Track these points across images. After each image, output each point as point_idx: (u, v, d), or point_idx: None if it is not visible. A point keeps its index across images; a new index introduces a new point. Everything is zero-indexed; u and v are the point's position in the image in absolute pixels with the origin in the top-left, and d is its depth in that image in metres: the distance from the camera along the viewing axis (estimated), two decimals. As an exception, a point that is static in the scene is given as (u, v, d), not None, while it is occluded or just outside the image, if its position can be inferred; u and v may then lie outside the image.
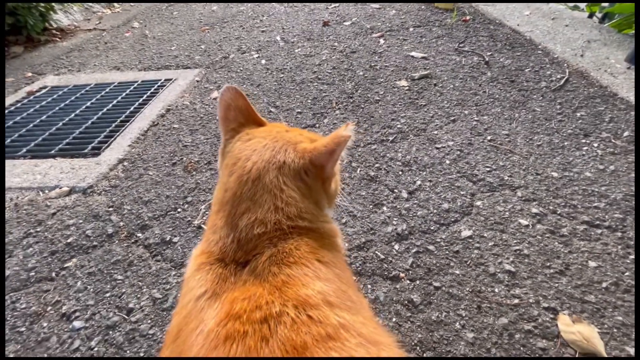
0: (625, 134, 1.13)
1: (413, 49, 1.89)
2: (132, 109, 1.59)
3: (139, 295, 0.79)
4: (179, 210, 1.02)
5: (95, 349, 0.70)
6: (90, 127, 1.47)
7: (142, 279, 0.83)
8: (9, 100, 1.78)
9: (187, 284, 0.37)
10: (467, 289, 0.74)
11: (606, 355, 0.61)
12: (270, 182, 0.38)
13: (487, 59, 1.67)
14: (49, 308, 0.78)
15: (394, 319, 0.70)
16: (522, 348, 0.64)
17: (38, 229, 0.99)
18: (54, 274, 0.86)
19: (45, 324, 0.75)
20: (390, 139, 1.23)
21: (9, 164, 1.27)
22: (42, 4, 2.61)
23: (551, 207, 0.90)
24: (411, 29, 2.15)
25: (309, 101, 1.53)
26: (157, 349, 0.68)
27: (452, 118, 1.30)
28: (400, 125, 1.30)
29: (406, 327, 0.69)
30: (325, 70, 1.78)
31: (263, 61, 1.97)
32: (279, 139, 0.41)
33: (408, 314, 0.71)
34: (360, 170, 1.10)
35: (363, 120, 1.35)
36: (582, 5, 2.47)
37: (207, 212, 1.00)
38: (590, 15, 2.40)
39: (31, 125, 1.52)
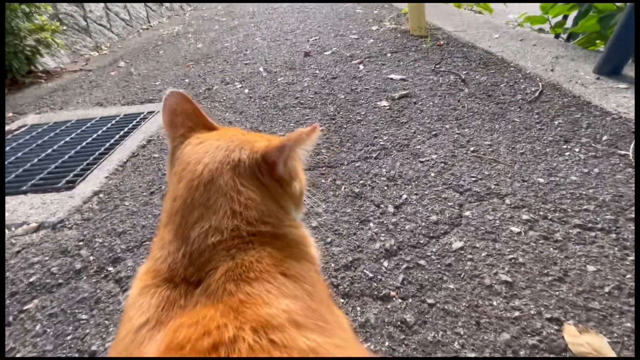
0: (604, 138, 1.14)
1: (392, 72, 1.95)
2: (112, 141, 1.56)
3: (104, 336, 0.71)
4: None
5: (49, 402, 0.60)
6: (67, 161, 1.43)
7: (109, 316, 0.75)
8: (-15, 140, 1.73)
9: (127, 312, 0.31)
10: (464, 304, 0.69)
11: (620, 368, 0.56)
12: (225, 184, 0.34)
13: (463, 77, 1.73)
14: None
15: (386, 343, 0.64)
16: (528, 366, 0.58)
17: (-1, 270, 0.91)
18: (11, 318, 0.78)
19: (-7, 377, 0.66)
20: (374, 155, 1.22)
21: (-25, 203, 1.20)
22: (28, 49, 2.65)
23: (541, 213, 0.87)
24: (389, 55, 2.23)
25: (292, 125, 1.53)
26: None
27: (434, 132, 1.31)
28: (383, 142, 1.29)
29: (400, 350, 0.62)
30: (307, 96, 1.80)
31: (246, 90, 2.00)
32: (235, 139, 0.38)
33: (402, 336, 0.65)
34: (344, 188, 1.06)
35: (346, 139, 1.35)
36: (547, 27, 2.63)
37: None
38: (557, 36, 2.55)
39: (6, 163, 1.47)
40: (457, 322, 0.66)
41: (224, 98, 1.92)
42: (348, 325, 0.38)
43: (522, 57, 1.94)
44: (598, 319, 0.63)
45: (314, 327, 0.27)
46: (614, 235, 0.79)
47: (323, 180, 1.11)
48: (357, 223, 0.92)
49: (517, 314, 0.66)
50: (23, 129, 1.83)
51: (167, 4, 5.21)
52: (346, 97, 1.72)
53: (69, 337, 0.72)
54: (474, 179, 1.03)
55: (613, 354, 0.57)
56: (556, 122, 1.27)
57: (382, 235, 0.87)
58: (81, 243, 0.97)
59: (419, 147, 1.23)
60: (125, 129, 1.67)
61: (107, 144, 1.54)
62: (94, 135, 1.64)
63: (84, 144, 1.57)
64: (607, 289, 0.68)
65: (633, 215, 0.83)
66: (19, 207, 1.15)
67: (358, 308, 0.71)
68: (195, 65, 2.64)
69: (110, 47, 3.67)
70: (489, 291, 0.71)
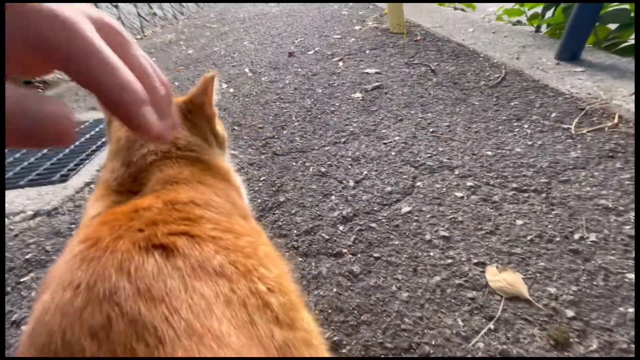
0: (553, 115, 1.24)
1: (368, 66, 2.06)
2: (104, 139, 1.67)
3: (90, 297, 0.80)
4: (138, 219, 1.05)
5: (41, 348, 0.70)
6: (62, 159, 1.53)
7: (95, 282, 0.85)
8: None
9: (85, 212, 0.41)
10: (405, 256, 0.78)
11: (529, 297, 0.65)
12: None
13: (433, 68, 1.83)
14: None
15: (334, 290, 0.73)
16: (452, 300, 0.67)
17: (-1, 250, 1.01)
18: (8, 289, 0.87)
19: (-6, 332, 0.75)
20: (343, 140, 1.31)
21: (-23, 197, 1.30)
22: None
23: (484, 180, 0.97)
24: (367, 52, 2.34)
25: (271, 117, 1.63)
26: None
27: (400, 118, 1.40)
28: (353, 128, 1.39)
29: (346, 294, 0.71)
30: (287, 92, 1.91)
31: (231, 90, 2.11)
32: None
33: (348, 283, 0.74)
34: (312, 169, 1.16)
35: (319, 127, 1.44)
36: (524, 19, 2.73)
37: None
38: (537, 28, 2.64)
39: (6, 162, 1.58)
40: (397, 270, 0.75)
41: (210, 97, 2.03)
42: (257, 227, 0.45)
43: (492, 47, 2.04)
44: (518, 261, 0.72)
45: (214, 211, 0.36)
46: (544, 195, 0.88)
47: (294, 164, 1.21)
48: (320, 197, 1.02)
49: (449, 261, 0.75)
50: (21, 133, 1.94)
51: (161, 14, 5.36)
52: (323, 91, 1.83)
53: (59, 299, 0.81)
54: (429, 155, 1.12)
55: (525, 287, 0.66)
56: (512, 104, 1.36)
57: (341, 205, 0.97)
58: (73, 225, 1.07)
59: (384, 131, 1.33)
60: (117, 129, 1.78)
61: (99, 142, 1.64)
62: (87, 136, 1.75)
63: (77, 143, 1.68)
64: (529, 238, 0.77)
65: (564, 178, 0.92)
66: (16, 198, 1.25)
67: (313, 264, 0.80)
68: (185, 69, 2.76)
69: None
70: (428, 245, 0.80)
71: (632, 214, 0.78)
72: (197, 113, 0.48)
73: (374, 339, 0.62)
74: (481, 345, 0.58)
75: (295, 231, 0.91)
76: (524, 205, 0.86)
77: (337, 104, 1.64)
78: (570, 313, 0.61)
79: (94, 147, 1.59)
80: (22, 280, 0.90)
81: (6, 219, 1.15)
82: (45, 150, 1.64)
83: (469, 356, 0.58)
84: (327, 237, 0.87)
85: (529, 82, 1.53)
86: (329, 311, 0.68)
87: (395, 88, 1.69)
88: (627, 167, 0.93)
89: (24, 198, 1.25)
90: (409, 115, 1.41)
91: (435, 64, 1.90)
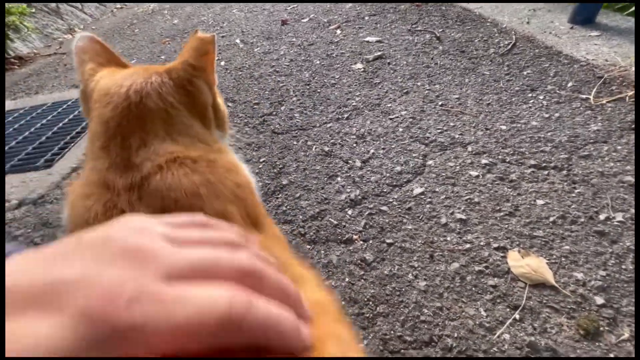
0: (569, 84, 1.16)
1: (368, 34, 1.92)
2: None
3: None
4: (132, 207, 0.99)
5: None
6: (45, 142, 1.43)
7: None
8: (-39, 127, 1.72)
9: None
10: (420, 241, 0.73)
11: (555, 283, 0.61)
12: (156, 105, 0.35)
13: (438, 35, 1.71)
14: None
15: (346, 279, 0.69)
16: (473, 288, 0.63)
17: (-16, 244, 0.94)
18: None
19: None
20: (346, 116, 1.23)
21: (-44, 186, 1.22)
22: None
23: (500, 157, 0.91)
24: (367, 18, 2.19)
25: (267, 92, 1.52)
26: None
27: (405, 91, 1.32)
28: (355, 103, 1.30)
29: (359, 284, 0.67)
30: (283, 64, 1.78)
31: (222, 63, 1.97)
32: (149, 68, 0.39)
33: (361, 272, 0.70)
34: (315, 148, 1.09)
35: (319, 102, 1.35)
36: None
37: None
38: None
39: (-17, 148, 1.47)
40: (412, 257, 0.71)
41: (200, 72, 1.90)
42: (277, 231, 0.39)
43: (500, 12, 1.91)
44: (540, 245, 0.68)
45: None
46: (565, 172, 0.83)
47: (295, 143, 1.13)
48: (325, 178, 0.96)
49: (468, 246, 0.70)
50: (-1, 115, 1.82)
51: (140, -20, 4.96)
52: (322, 63, 1.71)
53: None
54: (439, 130, 1.05)
55: (550, 273, 0.63)
56: (525, 73, 1.28)
57: (349, 187, 0.91)
58: (62, 215, 1.00)
59: (389, 105, 1.25)
60: (102, 108, 1.66)
61: (84, 124, 1.54)
62: (70, 116, 1.64)
63: (60, 124, 1.57)
64: (551, 219, 0.72)
65: (585, 154, 0.87)
66: (-1, 187, 1.17)
67: (322, 252, 0.75)
68: (172, 41, 2.57)
69: (84, 29, 3.54)
70: (444, 229, 0.75)
71: (660, 191, 0.74)
72: (197, 81, 0.38)
73: (392, 331, 0.59)
74: (507, 336, 0.55)
75: (300, 216, 0.85)
76: (544, 183, 0.81)
77: (337, 77, 1.53)
78: (599, 300, 0.58)
79: (78, 129, 1.49)
80: (11, 275, 0.84)
81: (-11, 210, 1.08)
82: (26, 134, 1.53)
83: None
84: (335, 222, 0.82)
85: (541, 48, 1.44)
86: (342, 303, 0.64)
87: (399, 58, 1.58)
88: (652, 140, 0.87)
89: (8, 186, 1.17)
90: (415, 87, 1.33)
91: (440, 30, 1.78)
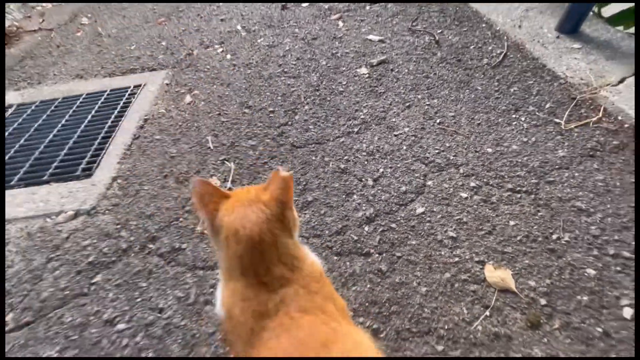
0: (547, 105, 1.36)
1: (370, 31, 1.99)
2: (109, 123, 1.65)
3: (165, 297, 0.97)
4: (180, 219, 1.18)
5: (141, 342, 0.89)
6: (74, 148, 1.54)
7: (163, 283, 1.01)
8: (-23, 125, 1.77)
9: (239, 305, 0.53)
10: (422, 255, 0.97)
11: (515, 289, 0.87)
12: (269, 240, 0.52)
13: (437, 38, 1.82)
14: (92, 318, 0.96)
15: (368, 285, 0.93)
16: (459, 293, 0.89)
17: (58, 253, 1.13)
18: (85, 290, 1.02)
19: (93, 331, 0.93)
20: (355, 130, 1.40)
21: (7, 194, 1.35)
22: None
23: (485, 180, 1.13)
24: (367, 7, 2.22)
25: (279, 98, 1.64)
26: (193, 333, 0.88)
27: (407, 104, 1.48)
28: (363, 115, 1.46)
29: (377, 289, 0.92)
30: (290, 62, 1.87)
31: (228, 56, 2.02)
32: (251, 202, 0.56)
33: (378, 280, 0.94)
34: (332, 164, 1.27)
35: (330, 113, 1.50)
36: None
37: (206, 219, 1.16)
38: None
39: (12, 151, 1.57)
40: (416, 267, 0.95)
41: (208, 67, 1.95)
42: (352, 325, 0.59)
43: (494, 9, 2.01)
44: (508, 259, 0.93)
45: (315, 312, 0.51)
46: (533, 196, 1.06)
47: (313, 158, 1.31)
48: (343, 196, 1.16)
49: (457, 259, 0.95)
50: (11, 111, 1.86)
51: None
52: (327, 64, 1.81)
53: (138, 300, 0.98)
54: (437, 151, 1.25)
55: (513, 281, 0.88)
56: (512, 90, 1.45)
57: (364, 205, 1.12)
58: (119, 226, 1.18)
59: (394, 119, 1.42)
60: (118, 108, 1.74)
61: (106, 127, 1.63)
62: (89, 117, 1.71)
63: (82, 127, 1.65)
64: (519, 238, 0.97)
65: (551, 179, 1.10)
66: (49, 197, 1.31)
67: (347, 263, 0.98)
68: (168, 21, 2.52)
69: (64, -3, 3.31)
70: (439, 244, 0.99)
71: (599, 215, 0.99)
72: (287, 213, 0.56)
73: (402, 325, 0.85)
74: (480, 327, 0.82)
75: (327, 231, 1.07)
76: (516, 206, 1.05)
77: (344, 83, 1.66)
78: (543, 301, 0.85)
79: (102, 133, 1.59)
80: (93, 281, 1.04)
81: (48, 219, 1.24)
82: (50, 136, 1.62)
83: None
84: (355, 237, 1.04)
85: (529, 60, 1.60)
86: (366, 304, 0.89)
87: (401, 64, 1.71)
88: (602, 167, 1.11)
89: (57, 196, 1.31)
90: (416, 100, 1.49)
91: (439, 31, 1.88)
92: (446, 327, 0.83)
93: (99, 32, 2.54)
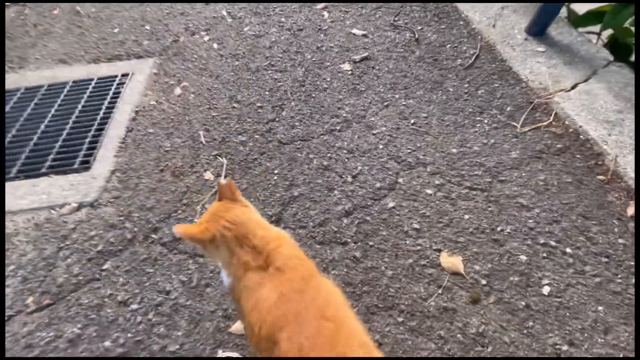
0: (508, 109, 1.52)
1: (354, 24, 2.06)
2: (101, 114, 1.70)
3: (170, 281, 1.13)
4: (179, 212, 1.31)
5: (153, 319, 1.05)
6: (69, 139, 1.60)
7: (168, 269, 1.16)
8: (-37, 113, 1.77)
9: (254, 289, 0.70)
10: (390, 244, 1.16)
11: (463, 272, 1.07)
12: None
13: (417, 36, 1.92)
14: (106, 299, 1.10)
15: (344, 270, 1.11)
16: (419, 275, 1.08)
17: (67, 242, 1.24)
18: (97, 275, 1.16)
19: (109, 310, 1.08)
20: (338, 128, 1.53)
21: (8, 186, 1.43)
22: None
23: (447, 178, 1.31)
24: (352, -3, 2.26)
25: (267, 93, 1.73)
26: (198, 311, 1.05)
27: (386, 103, 1.61)
28: (345, 113, 1.59)
29: (352, 273, 1.10)
30: (276, 55, 1.93)
31: (215, 45, 2.05)
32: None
33: (353, 265, 1.12)
34: (315, 161, 1.41)
35: (315, 110, 1.62)
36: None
37: (202, 211, 1.29)
38: None
39: (6, 142, 1.61)
40: (385, 255, 1.14)
41: (195, 56, 1.99)
42: None
43: (472, 6, 2.10)
44: (460, 247, 1.13)
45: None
46: (486, 194, 1.25)
47: (299, 155, 1.44)
48: (326, 192, 1.31)
49: (418, 247, 1.14)
50: (-3, 98, 1.86)
51: None
52: (313, 57, 1.89)
53: (146, 284, 1.13)
54: (409, 150, 1.41)
55: (462, 266, 1.09)
56: (479, 92, 1.61)
57: (343, 200, 1.28)
58: (122, 218, 1.30)
59: (372, 118, 1.55)
60: (108, 99, 1.78)
61: (98, 118, 1.68)
62: (79, 107, 1.75)
63: (73, 117, 1.70)
64: (470, 230, 1.17)
65: (502, 178, 1.29)
66: (50, 189, 1.40)
67: (328, 251, 1.16)
68: (149, 2, 2.47)
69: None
70: (405, 235, 1.17)
71: (537, 210, 1.19)
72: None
73: (371, 302, 1.04)
74: (433, 303, 1.02)
75: (311, 223, 1.23)
76: (471, 202, 1.23)
77: (329, 79, 1.76)
78: (483, 282, 1.05)
79: (95, 125, 1.64)
80: (104, 267, 1.18)
81: (52, 210, 1.34)
82: (42, 127, 1.66)
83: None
84: (335, 229, 1.21)
85: (497, 62, 1.74)
86: (343, 285, 1.08)
87: (382, 61, 1.81)
88: (545, 168, 1.30)
89: (59, 188, 1.40)
90: (393, 100, 1.62)
91: (419, 27, 1.98)
92: (406, 303, 1.03)
93: (78, 10, 2.46)
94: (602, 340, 0.93)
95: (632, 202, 1.17)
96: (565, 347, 0.92)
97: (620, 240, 1.10)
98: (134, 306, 1.08)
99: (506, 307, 1.00)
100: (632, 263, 1.05)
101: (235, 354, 0.95)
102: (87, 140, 1.59)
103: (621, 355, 0.89)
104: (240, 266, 0.69)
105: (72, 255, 1.21)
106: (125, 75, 1.92)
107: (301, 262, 0.72)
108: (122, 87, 1.84)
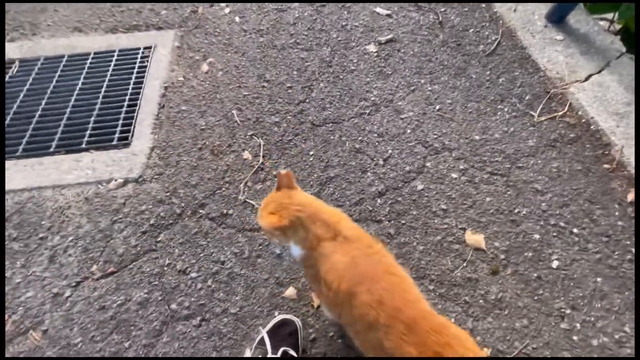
0: (527, 97, 1.62)
1: (378, 2, 2.06)
2: (130, 89, 1.72)
3: (223, 252, 1.25)
4: (223, 189, 1.40)
5: (212, 286, 1.18)
6: (103, 115, 1.62)
7: (219, 242, 1.27)
8: (-15, 83, 1.75)
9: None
10: (420, 222, 1.30)
11: (485, 248, 1.23)
12: None
13: (440, 19, 1.94)
14: (166, 268, 1.22)
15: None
16: (446, 250, 1.23)
17: (119, 216, 1.33)
18: (154, 247, 1.27)
19: (170, 278, 1.20)
20: (367, 112, 1.61)
21: (49, 160, 1.47)
22: None
23: (471, 163, 1.43)
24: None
25: (295, 72, 1.77)
26: (252, 279, 1.18)
27: (412, 88, 1.68)
28: (374, 97, 1.65)
29: (387, 247, 1.24)
30: (301, 32, 1.94)
31: (237, 18, 2.03)
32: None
33: (388, 240, 1.26)
34: (348, 144, 1.50)
35: (344, 92, 1.68)
36: None
37: (246, 189, 1.39)
38: None
39: (37, 115, 1.62)
40: (416, 232, 1.28)
41: (218, 30, 1.97)
42: None
43: (495, -12, 2.11)
44: (482, 226, 1.28)
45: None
46: (505, 178, 1.38)
47: (332, 137, 1.52)
48: (359, 173, 1.42)
49: (445, 226, 1.28)
50: (16, 69, 1.83)
51: None
52: (338, 37, 1.91)
53: (201, 255, 1.24)
54: (435, 136, 1.51)
55: (484, 242, 1.24)
56: (500, 80, 1.69)
57: (376, 181, 1.40)
58: (168, 194, 1.39)
59: (400, 103, 1.63)
60: (134, 73, 1.78)
61: (128, 93, 1.70)
62: (106, 81, 1.75)
63: (102, 92, 1.71)
64: (491, 211, 1.31)
65: (520, 165, 1.42)
66: (94, 165, 1.46)
67: (365, 228, 1.29)
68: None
69: None
70: (433, 215, 1.31)
71: (549, 195, 1.34)
72: None
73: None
74: (458, 274, 1.18)
75: (347, 202, 1.35)
76: (492, 186, 1.37)
77: (355, 60, 1.80)
78: (502, 256, 1.21)
79: (126, 101, 1.66)
80: (158, 239, 1.28)
81: (100, 186, 1.41)
82: (72, 101, 1.66)
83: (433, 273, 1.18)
84: (370, 208, 1.33)
85: (517, 50, 1.81)
86: (380, 258, 1.22)
87: (407, 44, 1.85)
88: (558, 156, 1.43)
89: (102, 164, 1.46)
90: (419, 85, 1.69)
91: (442, 9, 1.99)
92: (436, 274, 1.19)
93: (85, -29, 2.33)
94: (599, 305, 1.11)
95: (632, 189, 1.32)
96: (568, 311, 1.10)
97: (619, 223, 1.26)
98: (193, 274, 1.20)
99: (521, 277, 1.17)
100: (628, 242, 1.22)
101: (289, 316, 1.09)
102: (121, 115, 1.61)
103: (617, 338, 1.08)
104: (315, 238, 0.81)
105: (127, 228, 1.30)
106: (147, 48, 1.90)
107: (362, 232, 0.85)
108: (147, 61, 1.84)
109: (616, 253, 1.20)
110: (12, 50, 1.92)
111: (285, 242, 0.88)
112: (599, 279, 1.16)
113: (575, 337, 1.06)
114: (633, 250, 1.20)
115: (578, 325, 1.08)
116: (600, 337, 1.06)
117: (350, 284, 0.76)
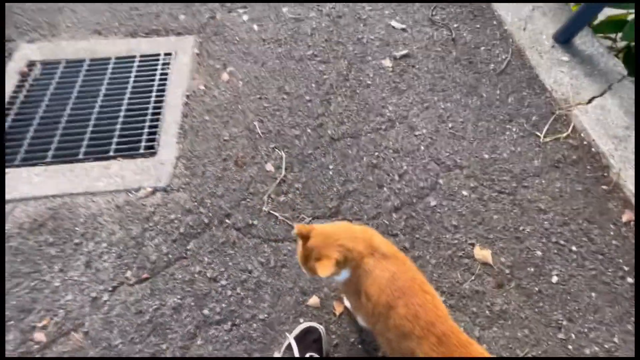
0: (534, 118, 1.72)
1: (393, 15, 2.12)
2: (153, 97, 1.77)
3: (250, 262, 1.34)
4: (247, 200, 1.48)
5: (241, 293, 1.27)
6: (128, 123, 1.68)
7: (246, 251, 1.36)
8: (7, 86, 1.79)
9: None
10: (433, 237, 1.40)
11: (492, 263, 1.34)
12: None
13: (454, 35, 2.01)
14: (197, 275, 1.31)
15: (396, 258, 1.35)
16: (457, 264, 1.34)
17: (150, 224, 1.41)
18: (184, 254, 1.35)
19: (201, 285, 1.29)
20: (383, 127, 1.69)
21: (79, 167, 1.53)
22: None
23: (480, 182, 1.53)
24: (390, -17, 2.27)
25: (313, 85, 1.83)
26: (278, 287, 1.27)
27: (426, 105, 1.76)
28: (389, 113, 1.73)
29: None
30: (319, 44, 1.99)
31: (255, 27, 2.07)
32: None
33: (404, 253, 1.36)
34: (365, 159, 1.59)
35: (361, 107, 1.75)
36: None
37: (269, 201, 1.47)
38: None
39: (63, 121, 1.67)
40: (429, 246, 1.38)
41: (237, 38, 2.01)
42: None
43: (506, 5, 2.18)
44: (490, 242, 1.39)
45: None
46: (511, 197, 1.49)
47: (349, 152, 1.61)
48: (376, 188, 1.51)
49: (456, 241, 1.39)
50: (37, 71, 1.86)
51: None
52: (354, 50, 1.97)
53: (230, 263, 1.33)
54: (447, 153, 1.61)
55: (491, 258, 1.35)
56: (509, 100, 1.78)
57: (392, 197, 1.49)
58: (196, 204, 1.46)
59: (414, 120, 1.71)
60: (156, 80, 1.83)
61: (152, 101, 1.75)
62: (129, 88, 1.80)
63: (126, 99, 1.76)
64: (498, 228, 1.42)
65: (526, 184, 1.52)
66: (123, 173, 1.52)
67: (381, 241, 1.38)
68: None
69: None
70: (445, 230, 1.41)
71: (551, 214, 1.45)
72: None
73: (419, 284, 1.30)
74: (467, 286, 1.29)
75: (365, 216, 1.44)
76: (499, 204, 1.47)
77: (371, 75, 1.87)
78: (507, 271, 1.33)
79: (150, 109, 1.72)
80: (188, 247, 1.37)
81: (130, 194, 1.48)
82: (97, 107, 1.71)
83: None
84: (387, 222, 1.43)
85: (526, 69, 1.89)
86: (396, 270, 1.32)
87: (421, 60, 1.92)
88: (561, 177, 1.54)
89: (130, 172, 1.52)
90: (432, 102, 1.77)
91: (455, 25, 2.06)
92: (447, 286, 1.30)
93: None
94: (592, 318, 1.23)
95: (627, 211, 1.44)
96: (565, 322, 1.22)
97: (614, 242, 1.38)
98: (223, 282, 1.29)
99: (523, 291, 1.29)
100: (620, 260, 1.34)
101: (314, 324, 1.20)
102: (146, 124, 1.67)
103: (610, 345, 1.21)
104: (358, 255, 0.91)
105: (158, 236, 1.38)
106: (167, 54, 1.94)
107: (394, 248, 0.95)
108: (168, 68, 1.88)
109: (609, 270, 1.32)
110: (32, 52, 1.95)
111: (339, 273, 0.94)
112: (593, 294, 1.28)
113: (570, 346, 1.19)
114: (625, 268, 1.32)
115: (573, 335, 1.20)
116: (592, 346, 1.19)
117: (390, 297, 0.86)
